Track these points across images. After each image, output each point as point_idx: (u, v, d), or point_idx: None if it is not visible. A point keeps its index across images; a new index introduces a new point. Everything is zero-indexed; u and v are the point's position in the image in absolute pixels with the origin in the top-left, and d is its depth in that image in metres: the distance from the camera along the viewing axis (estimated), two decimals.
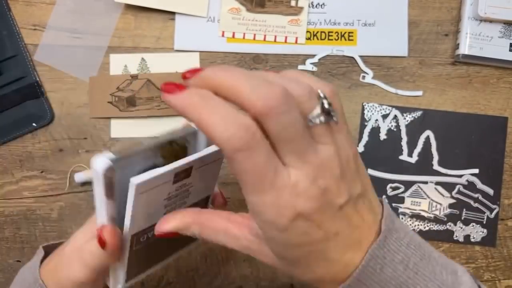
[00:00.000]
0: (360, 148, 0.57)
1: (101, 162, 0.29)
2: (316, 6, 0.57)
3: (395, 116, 0.57)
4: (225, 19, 0.57)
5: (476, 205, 0.56)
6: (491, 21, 0.55)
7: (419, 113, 0.57)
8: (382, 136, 0.57)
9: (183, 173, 0.32)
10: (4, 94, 0.56)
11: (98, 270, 0.35)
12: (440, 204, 0.56)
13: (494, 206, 0.56)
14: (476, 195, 0.56)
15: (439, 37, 0.58)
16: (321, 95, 0.26)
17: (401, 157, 0.57)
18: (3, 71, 0.56)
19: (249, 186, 0.27)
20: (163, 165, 0.31)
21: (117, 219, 0.32)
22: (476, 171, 0.56)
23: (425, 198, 0.57)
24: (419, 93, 0.57)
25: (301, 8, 0.57)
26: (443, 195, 0.57)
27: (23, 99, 0.56)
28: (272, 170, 0.25)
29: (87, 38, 0.57)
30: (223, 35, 0.57)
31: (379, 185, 0.57)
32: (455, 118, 0.57)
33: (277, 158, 0.25)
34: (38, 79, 0.57)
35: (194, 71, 0.26)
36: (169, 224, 0.32)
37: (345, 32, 0.57)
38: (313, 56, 0.57)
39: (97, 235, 0.32)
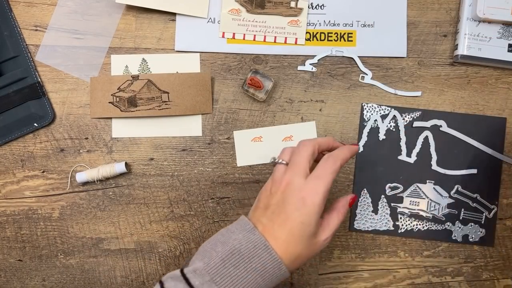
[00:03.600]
0: (359, 148, 0.57)
1: None
2: (315, 7, 0.58)
3: (394, 117, 0.57)
4: (225, 20, 0.57)
5: (474, 205, 0.57)
6: (489, 22, 0.55)
7: (418, 114, 0.57)
8: (381, 136, 0.57)
9: None
10: (5, 95, 0.56)
11: None
12: (439, 204, 0.57)
13: (492, 206, 0.57)
14: (474, 195, 0.57)
15: (437, 38, 0.58)
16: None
17: (400, 157, 0.57)
18: (4, 72, 0.56)
19: None
20: None
21: None
22: (474, 171, 0.57)
23: (423, 198, 0.57)
24: (418, 93, 0.57)
25: (301, 9, 0.57)
26: (441, 195, 0.57)
27: (25, 99, 0.56)
28: None
29: (88, 39, 0.58)
30: (223, 36, 0.57)
31: (378, 185, 0.57)
32: (454, 118, 0.57)
33: None
34: (39, 79, 0.57)
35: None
36: None
37: (344, 33, 0.58)
38: (312, 56, 0.57)
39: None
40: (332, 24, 0.58)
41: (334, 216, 0.44)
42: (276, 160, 0.45)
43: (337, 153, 0.44)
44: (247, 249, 0.41)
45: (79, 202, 0.57)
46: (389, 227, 0.57)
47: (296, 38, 0.57)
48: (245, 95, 0.58)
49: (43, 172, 0.57)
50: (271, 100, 0.58)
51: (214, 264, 0.40)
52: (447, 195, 0.57)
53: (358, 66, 0.57)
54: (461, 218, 0.57)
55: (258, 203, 0.44)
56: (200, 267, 0.40)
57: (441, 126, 0.57)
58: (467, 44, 0.55)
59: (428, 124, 0.57)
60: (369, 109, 0.57)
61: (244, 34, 0.57)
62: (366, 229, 0.57)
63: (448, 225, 0.57)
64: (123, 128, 0.57)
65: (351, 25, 0.58)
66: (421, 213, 0.57)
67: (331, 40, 0.58)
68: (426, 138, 0.57)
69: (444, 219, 0.57)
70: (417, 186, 0.57)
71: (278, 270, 0.40)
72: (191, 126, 0.57)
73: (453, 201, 0.57)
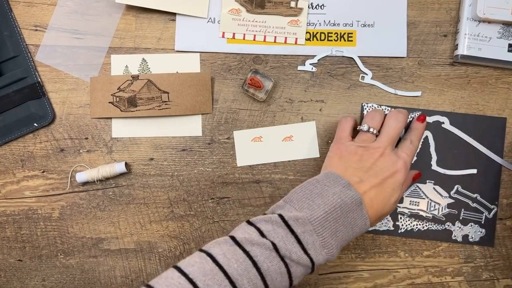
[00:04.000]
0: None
1: None
2: (315, 7, 0.58)
3: None
4: (225, 20, 0.57)
5: (474, 205, 0.57)
6: (489, 22, 0.55)
7: (417, 113, 0.57)
8: None
9: None
10: (5, 95, 0.56)
11: None
12: (439, 204, 0.57)
13: (492, 206, 0.57)
14: (474, 195, 0.57)
15: (438, 37, 0.58)
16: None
17: None
18: (4, 72, 0.56)
19: None
20: None
21: None
22: (474, 171, 0.57)
23: (423, 198, 0.57)
24: (418, 93, 0.57)
25: (301, 9, 0.57)
26: (441, 195, 0.57)
27: (24, 99, 0.56)
28: None
29: (88, 39, 0.58)
30: (223, 36, 0.57)
31: None
32: (454, 118, 0.57)
33: None
34: (39, 79, 0.57)
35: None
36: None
37: (344, 33, 0.58)
38: (312, 56, 0.57)
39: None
40: (332, 24, 0.58)
41: (403, 189, 0.51)
42: (371, 130, 0.50)
43: (414, 139, 0.51)
44: (346, 205, 0.44)
45: (79, 202, 0.57)
46: (389, 227, 0.57)
47: (296, 38, 0.57)
48: (245, 95, 0.58)
49: (43, 172, 0.57)
50: (271, 100, 0.58)
51: (317, 216, 0.43)
52: (447, 195, 0.57)
53: (358, 66, 0.57)
54: (461, 218, 0.57)
55: (349, 163, 0.48)
56: (303, 217, 0.43)
57: (443, 123, 0.57)
58: (467, 44, 0.55)
59: (430, 119, 0.57)
60: (369, 109, 0.57)
61: (244, 34, 0.57)
62: None
63: (448, 225, 0.57)
64: (123, 128, 0.57)
65: (351, 25, 0.58)
66: (421, 213, 0.57)
67: (331, 40, 0.58)
68: (426, 138, 0.57)
69: (444, 219, 0.57)
70: (417, 186, 0.57)
71: (364, 226, 0.46)
72: (191, 126, 0.57)
73: (453, 201, 0.57)
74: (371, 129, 0.50)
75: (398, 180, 0.47)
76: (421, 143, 0.57)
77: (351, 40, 0.57)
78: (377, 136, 0.50)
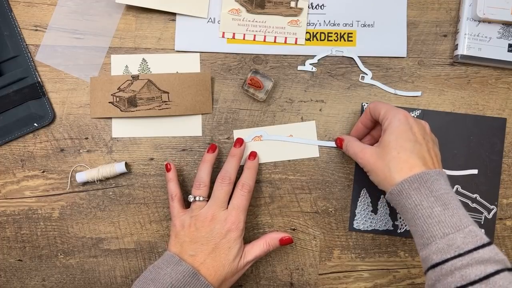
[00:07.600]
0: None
1: None
2: (315, 7, 0.58)
3: None
4: (225, 20, 0.57)
5: (474, 205, 0.57)
6: (489, 22, 0.55)
7: (417, 113, 0.57)
8: None
9: None
10: (5, 95, 0.56)
11: None
12: None
13: (492, 207, 0.57)
14: (474, 196, 0.57)
15: (437, 37, 0.58)
16: None
17: None
18: (4, 72, 0.56)
19: None
20: None
21: None
22: (475, 171, 0.57)
23: None
24: (418, 93, 0.57)
25: (301, 9, 0.57)
26: None
27: (25, 99, 0.56)
28: None
29: (88, 39, 0.58)
30: (223, 36, 0.57)
31: None
32: (454, 118, 0.57)
33: None
34: (39, 79, 0.57)
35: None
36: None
37: (344, 33, 0.58)
38: (312, 56, 0.57)
39: None
40: (332, 24, 0.58)
41: (261, 245, 0.52)
42: (197, 199, 0.51)
43: (247, 182, 0.52)
44: (178, 281, 0.46)
45: (79, 202, 0.57)
46: (388, 227, 0.57)
47: (296, 38, 0.57)
48: (245, 95, 0.58)
49: (43, 172, 0.57)
50: (271, 100, 0.58)
51: None
52: None
53: (358, 66, 0.57)
54: None
55: (183, 238, 0.50)
56: None
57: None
58: (467, 44, 0.55)
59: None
60: None
61: (244, 34, 0.57)
62: (366, 229, 0.57)
63: None
64: (123, 128, 0.57)
65: (351, 25, 0.58)
66: None
67: (331, 40, 0.58)
68: None
69: None
70: None
71: None
72: (191, 126, 0.57)
73: None
74: (197, 197, 0.51)
75: (231, 238, 0.49)
76: None
77: (351, 40, 0.57)
78: (207, 200, 0.52)
